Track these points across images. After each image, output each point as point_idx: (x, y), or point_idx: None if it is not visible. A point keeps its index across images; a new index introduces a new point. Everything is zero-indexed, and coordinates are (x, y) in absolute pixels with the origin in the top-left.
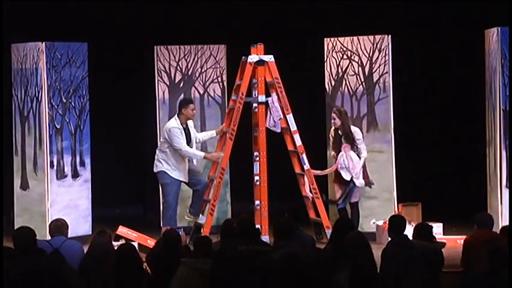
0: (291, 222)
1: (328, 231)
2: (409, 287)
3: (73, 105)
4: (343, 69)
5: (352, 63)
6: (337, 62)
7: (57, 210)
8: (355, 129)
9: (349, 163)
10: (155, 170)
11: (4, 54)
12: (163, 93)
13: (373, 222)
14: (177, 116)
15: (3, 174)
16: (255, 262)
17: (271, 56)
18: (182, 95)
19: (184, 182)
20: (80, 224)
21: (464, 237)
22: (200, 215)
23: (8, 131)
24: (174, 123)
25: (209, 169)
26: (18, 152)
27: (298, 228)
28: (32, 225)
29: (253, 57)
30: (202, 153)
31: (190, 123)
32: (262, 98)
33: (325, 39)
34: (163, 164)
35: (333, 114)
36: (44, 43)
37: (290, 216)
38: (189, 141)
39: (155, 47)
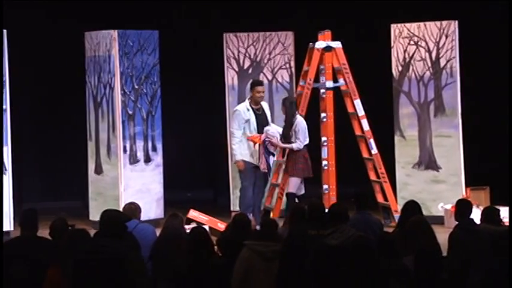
0: (344, 207)
1: (397, 215)
2: (476, 270)
3: (145, 91)
4: (410, 55)
5: (419, 49)
6: (404, 48)
7: (130, 194)
8: (298, 121)
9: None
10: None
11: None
12: (233, 79)
13: (442, 206)
14: (248, 98)
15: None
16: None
17: (339, 42)
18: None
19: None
20: (153, 208)
21: None
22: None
23: (82, 117)
24: (241, 105)
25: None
26: (92, 137)
27: (366, 212)
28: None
29: (320, 44)
30: (238, 159)
31: (265, 105)
32: (329, 83)
33: (392, 25)
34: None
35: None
36: (116, 31)
37: (358, 198)
38: (264, 124)
39: (224, 34)
